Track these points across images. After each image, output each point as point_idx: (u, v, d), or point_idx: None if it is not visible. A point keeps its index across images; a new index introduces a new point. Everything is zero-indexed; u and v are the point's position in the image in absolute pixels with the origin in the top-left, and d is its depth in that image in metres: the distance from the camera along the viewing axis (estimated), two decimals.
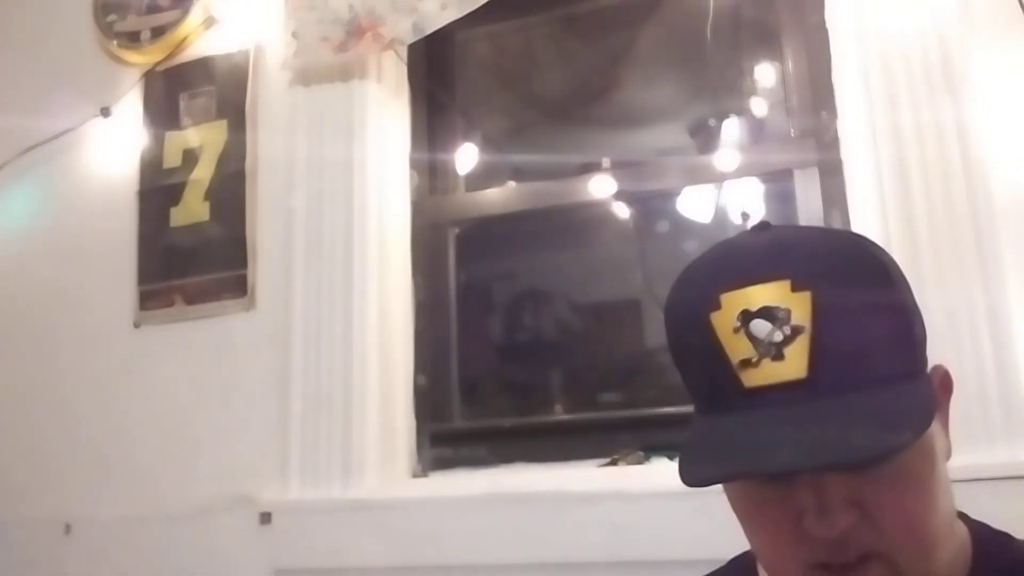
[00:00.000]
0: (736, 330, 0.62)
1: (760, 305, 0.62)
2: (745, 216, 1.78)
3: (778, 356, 0.61)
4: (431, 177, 1.91)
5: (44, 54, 2.08)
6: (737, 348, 0.62)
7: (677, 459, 0.65)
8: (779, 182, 1.70)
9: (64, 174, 1.99)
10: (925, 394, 0.64)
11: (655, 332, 1.81)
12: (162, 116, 1.92)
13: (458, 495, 1.55)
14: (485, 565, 1.48)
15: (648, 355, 1.83)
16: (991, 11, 1.40)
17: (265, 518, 1.64)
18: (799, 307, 0.61)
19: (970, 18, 1.39)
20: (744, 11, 1.79)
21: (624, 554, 1.39)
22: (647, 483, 1.43)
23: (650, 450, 1.57)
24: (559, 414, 1.82)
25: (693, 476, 0.61)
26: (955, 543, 0.69)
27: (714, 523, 1.30)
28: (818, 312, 0.61)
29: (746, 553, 0.79)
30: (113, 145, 1.96)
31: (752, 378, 0.62)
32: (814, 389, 0.60)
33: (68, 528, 1.82)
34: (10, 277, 2.01)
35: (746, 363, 0.62)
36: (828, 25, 1.50)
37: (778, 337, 0.61)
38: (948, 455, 0.68)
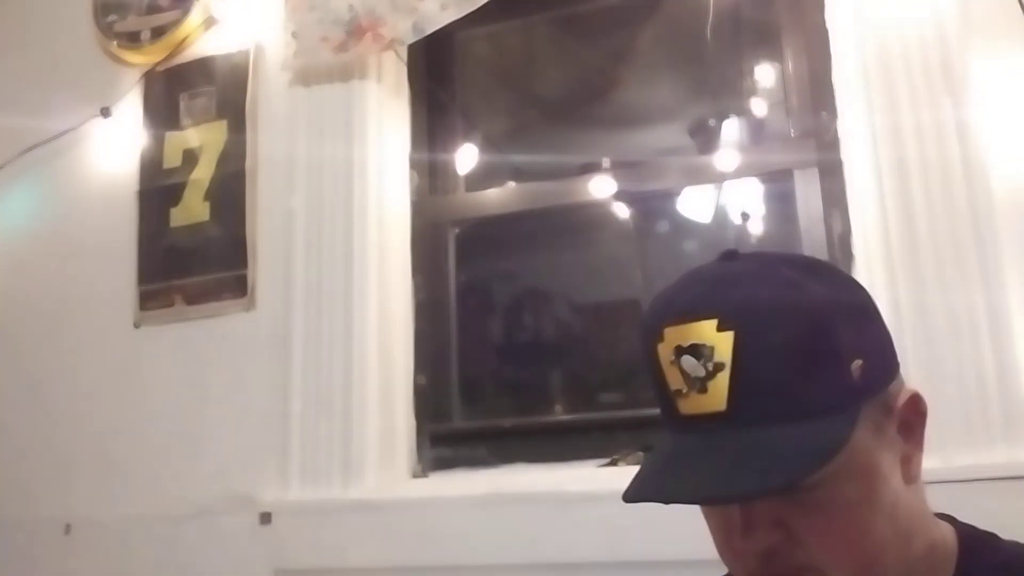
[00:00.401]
0: (672, 363, 0.68)
1: (690, 342, 0.67)
2: (745, 216, 1.78)
3: (702, 390, 0.67)
4: (431, 177, 1.91)
5: (44, 54, 2.08)
6: (673, 379, 0.69)
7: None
8: (779, 182, 1.70)
9: (64, 174, 1.99)
10: (840, 430, 0.66)
11: None
12: (162, 116, 1.92)
13: (458, 495, 1.55)
14: (485, 565, 1.48)
15: None
16: (991, 11, 1.40)
17: (265, 518, 1.64)
18: (722, 345, 0.66)
19: (970, 18, 1.39)
20: (744, 11, 1.79)
21: (624, 554, 1.39)
22: None
23: (650, 450, 1.57)
24: (559, 414, 1.82)
25: (627, 494, 0.70)
26: (931, 545, 0.71)
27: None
28: (739, 351, 0.66)
29: None
30: (113, 145, 1.96)
31: (684, 407, 0.68)
32: (732, 421, 0.66)
33: (68, 528, 1.82)
34: (10, 277, 2.01)
35: (678, 393, 0.68)
36: (828, 25, 1.50)
37: (701, 372, 0.67)
38: (912, 478, 0.71)
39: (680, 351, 0.68)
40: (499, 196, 1.89)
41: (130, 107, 1.96)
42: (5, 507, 1.89)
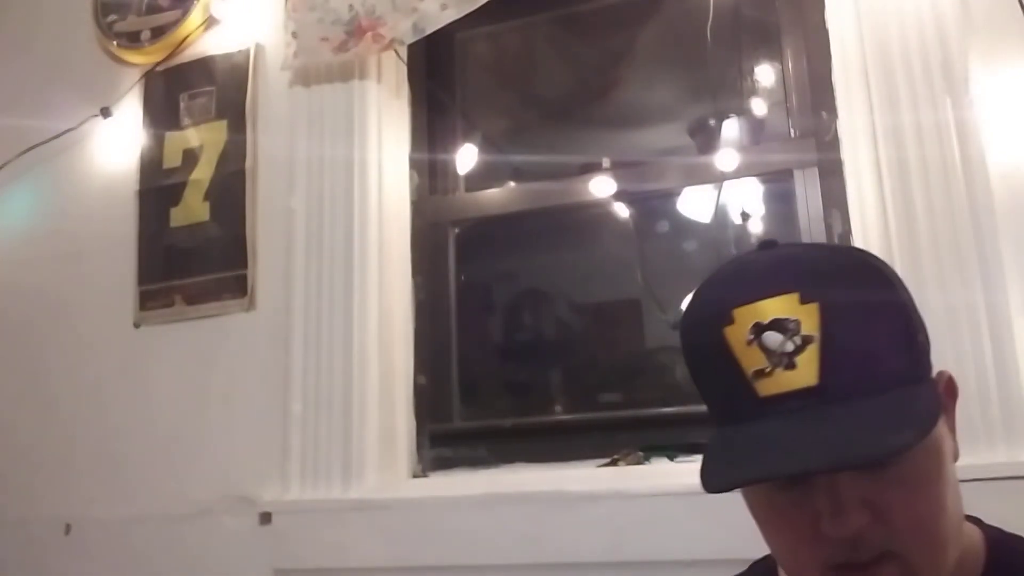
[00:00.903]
0: (749, 342, 0.65)
1: (771, 318, 0.65)
2: (745, 216, 1.78)
3: (790, 365, 0.64)
4: (431, 177, 1.91)
5: (44, 54, 2.08)
6: (751, 359, 0.65)
7: (700, 465, 0.67)
8: (779, 182, 1.70)
9: (64, 174, 1.99)
10: (929, 397, 0.67)
11: (655, 332, 1.81)
12: (162, 116, 1.92)
13: (458, 495, 1.55)
14: (485, 565, 1.48)
15: (648, 355, 1.83)
16: (991, 11, 1.40)
17: (265, 518, 1.64)
18: (808, 318, 0.64)
19: (970, 18, 1.39)
20: (744, 11, 1.78)
21: (624, 554, 1.39)
22: (647, 483, 1.43)
23: (650, 450, 1.57)
24: (559, 414, 1.82)
25: (714, 483, 0.64)
26: (964, 545, 0.70)
27: (713, 523, 1.31)
28: (826, 322, 0.64)
29: (766, 557, 0.79)
30: (113, 145, 1.96)
31: (766, 387, 0.65)
32: (825, 395, 0.63)
33: (68, 528, 1.82)
34: (10, 277, 2.01)
35: (760, 373, 0.65)
36: (828, 25, 1.50)
37: (789, 347, 0.64)
38: (955, 457, 0.70)
39: (760, 328, 0.65)
40: (499, 196, 1.89)
41: (130, 107, 1.96)
42: (5, 507, 1.89)
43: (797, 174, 1.65)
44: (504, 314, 1.99)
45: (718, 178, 1.75)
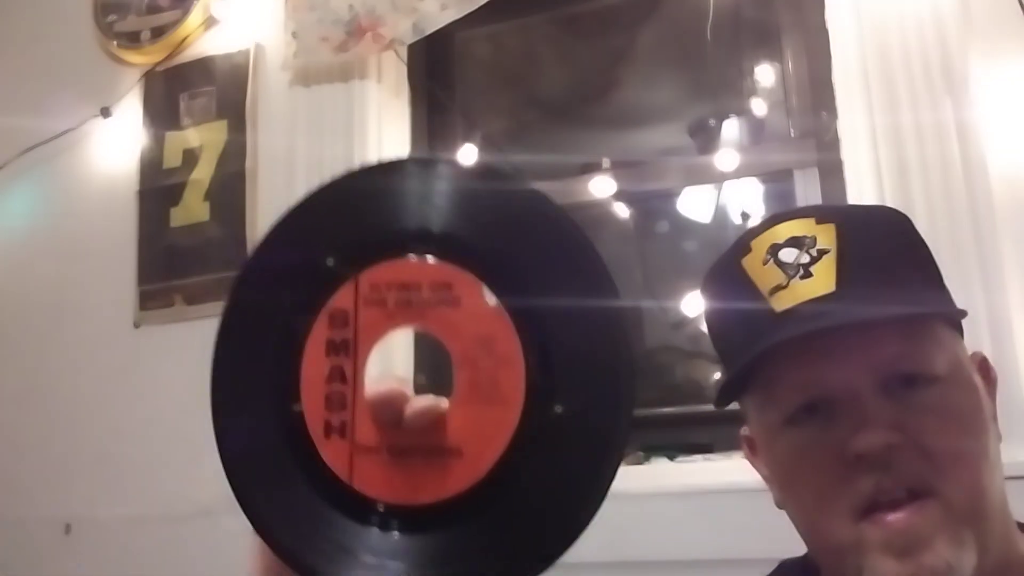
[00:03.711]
0: (765, 262, 0.65)
1: (788, 236, 0.65)
2: (745, 216, 1.78)
3: (806, 275, 0.63)
4: None
5: (44, 54, 2.08)
6: (767, 278, 0.64)
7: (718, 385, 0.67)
8: (779, 182, 1.70)
9: (64, 174, 1.99)
10: (948, 302, 0.67)
11: (655, 332, 1.81)
12: (162, 116, 1.92)
13: None
14: None
15: (648, 355, 1.83)
16: (991, 11, 1.40)
17: None
18: (824, 235, 0.64)
19: (970, 18, 1.39)
20: (744, 11, 1.78)
21: (624, 554, 1.39)
22: (647, 483, 1.43)
23: (650, 450, 1.57)
24: None
25: (733, 373, 0.65)
26: (1019, 553, 0.65)
27: (713, 523, 1.31)
28: (842, 238, 0.64)
29: (801, 557, 0.74)
30: (113, 145, 1.96)
31: (783, 301, 0.63)
32: (842, 301, 0.62)
33: (68, 528, 1.82)
34: (10, 277, 2.01)
35: (776, 289, 0.63)
36: (828, 25, 1.50)
37: (805, 259, 0.63)
38: (999, 437, 0.68)
39: (776, 248, 0.65)
40: None
41: (130, 107, 1.96)
42: (5, 507, 1.88)
43: (797, 174, 1.65)
44: None
45: (718, 178, 1.75)
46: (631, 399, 0.45)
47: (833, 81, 1.49)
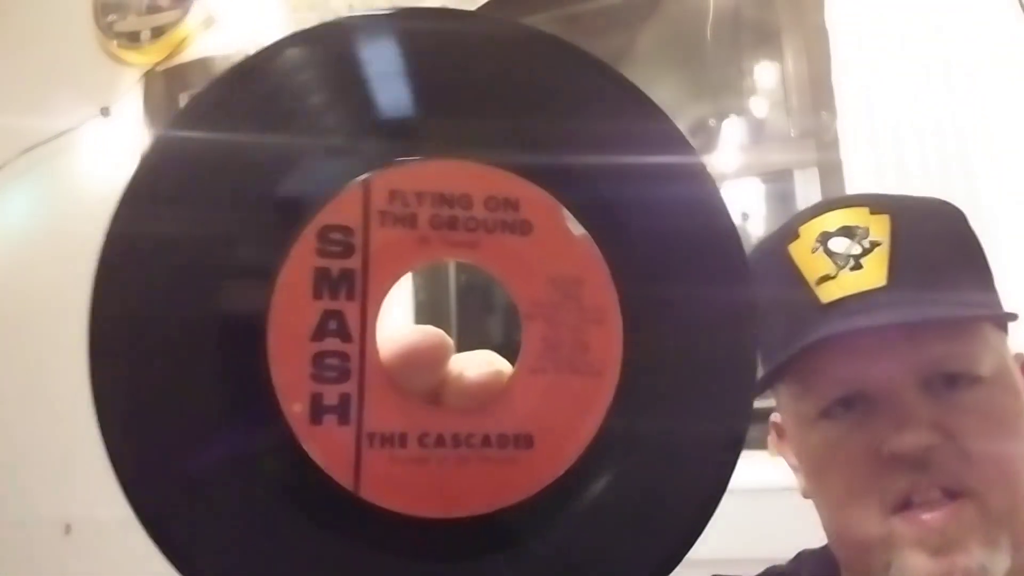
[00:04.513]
0: (814, 250, 0.63)
1: (839, 225, 0.63)
2: (745, 216, 1.78)
3: (856, 267, 0.61)
4: None
5: (44, 54, 2.08)
6: (815, 267, 0.62)
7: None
8: (779, 182, 1.70)
9: (64, 174, 1.99)
10: (997, 306, 0.65)
11: None
12: (162, 116, 1.92)
13: None
14: None
15: None
16: (991, 11, 1.40)
17: None
18: (877, 226, 0.62)
19: (970, 17, 1.39)
20: (744, 11, 1.78)
21: None
22: None
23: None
24: None
25: (768, 368, 0.62)
26: None
27: (713, 523, 1.31)
28: (896, 231, 0.62)
29: (819, 549, 0.73)
30: (113, 145, 1.96)
31: (830, 292, 0.61)
32: (892, 297, 0.60)
33: (68, 528, 1.82)
34: (10, 277, 2.01)
35: (824, 279, 0.62)
36: (828, 25, 1.50)
37: (856, 250, 0.62)
38: None
39: (826, 236, 0.63)
40: None
41: (130, 107, 1.96)
42: (5, 507, 1.88)
43: (797, 174, 1.65)
44: (504, 315, 1.99)
45: (718, 178, 1.75)
46: (753, 373, 0.33)
47: (833, 81, 1.49)
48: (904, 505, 0.59)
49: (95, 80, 2.00)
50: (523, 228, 0.30)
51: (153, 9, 1.96)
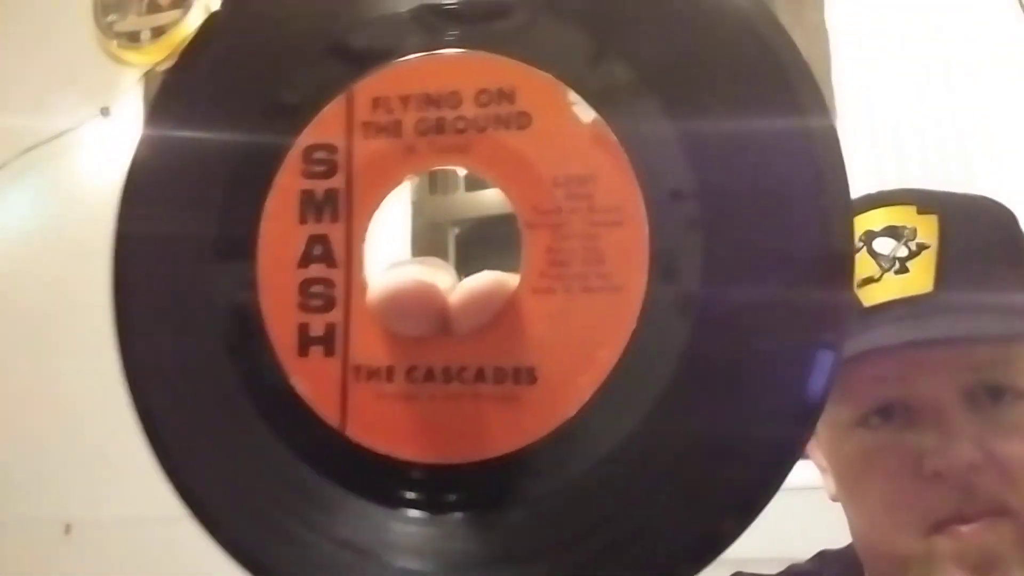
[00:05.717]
0: (858, 250, 0.59)
1: (885, 224, 0.60)
2: None
3: (902, 270, 0.58)
4: (431, 177, 1.90)
5: (44, 54, 2.08)
6: (858, 267, 0.59)
7: None
8: None
9: (64, 174, 1.99)
10: None
11: None
12: None
13: None
14: None
15: None
16: (991, 11, 1.40)
17: None
18: (925, 227, 0.59)
19: (970, 17, 1.39)
20: None
21: None
22: None
23: None
24: None
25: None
26: None
27: None
28: (944, 232, 0.59)
29: (841, 550, 0.72)
30: (113, 145, 1.96)
31: (872, 295, 0.59)
32: (938, 305, 0.57)
33: (68, 528, 1.82)
34: (10, 277, 2.01)
35: (867, 281, 0.59)
36: (828, 25, 1.50)
37: (903, 252, 0.59)
38: None
39: (872, 235, 0.60)
40: (499, 196, 1.88)
41: (130, 107, 1.96)
42: (5, 507, 1.88)
43: None
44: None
45: None
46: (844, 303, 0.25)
47: (833, 81, 1.49)
48: (945, 523, 0.57)
49: (95, 80, 2.00)
50: (520, 121, 0.26)
51: (153, 9, 1.96)
